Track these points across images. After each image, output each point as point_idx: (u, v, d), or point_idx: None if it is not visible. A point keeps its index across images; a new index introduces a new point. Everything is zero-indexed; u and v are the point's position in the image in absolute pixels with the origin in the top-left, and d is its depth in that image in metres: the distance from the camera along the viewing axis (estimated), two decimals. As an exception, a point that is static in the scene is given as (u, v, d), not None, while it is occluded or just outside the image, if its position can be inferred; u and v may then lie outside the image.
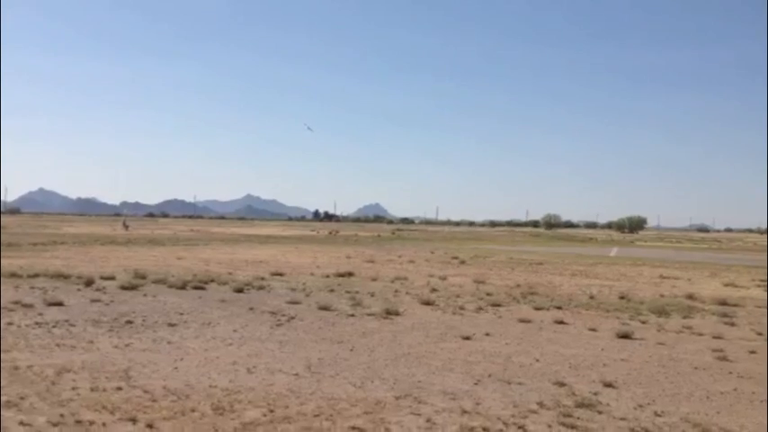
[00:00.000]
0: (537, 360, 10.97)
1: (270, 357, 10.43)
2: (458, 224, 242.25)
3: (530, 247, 67.89)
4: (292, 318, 14.41)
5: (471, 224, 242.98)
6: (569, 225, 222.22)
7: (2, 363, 9.32)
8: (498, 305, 17.66)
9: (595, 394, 8.79)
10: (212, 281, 20.82)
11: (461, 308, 16.96)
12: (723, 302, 19.52)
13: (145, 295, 17.31)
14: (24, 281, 19.34)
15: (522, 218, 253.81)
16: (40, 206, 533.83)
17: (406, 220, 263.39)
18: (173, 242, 50.88)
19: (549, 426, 7.45)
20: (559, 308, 17.61)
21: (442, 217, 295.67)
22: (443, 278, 25.24)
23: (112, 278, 20.55)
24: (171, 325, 13.07)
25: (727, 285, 26.17)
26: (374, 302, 17.24)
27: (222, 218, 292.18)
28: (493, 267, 32.80)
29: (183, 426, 7.03)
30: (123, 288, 18.30)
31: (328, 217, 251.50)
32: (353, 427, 7.15)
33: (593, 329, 14.28)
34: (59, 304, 14.95)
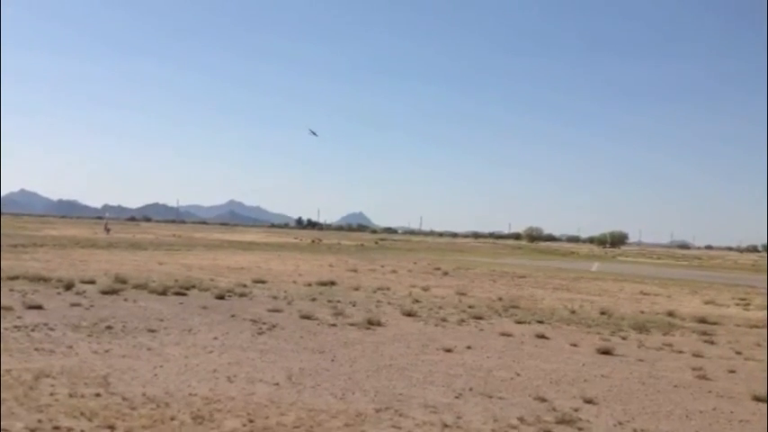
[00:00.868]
0: (518, 374, 10.98)
1: (250, 366, 10.37)
2: (441, 235, 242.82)
3: (512, 259, 68.12)
4: (274, 326, 14.34)
5: (455, 235, 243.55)
6: (551, 238, 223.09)
7: (-21, 366, 9.20)
8: (480, 318, 17.68)
9: (576, 410, 8.80)
10: (194, 287, 20.69)
11: (443, 320, 16.96)
12: (703, 320, 19.65)
13: (125, 300, 17.16)
14: (3, 283, 19.13)
15: (505, 230, 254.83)
16: (21, 207, 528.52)
17: (389, 230, 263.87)
18: (154, 247, 50.61)
19: (530, 441, 7.45)
20: (541, 322, 17.66)
21: (426, 227, 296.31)
22: (426, 289, 25.25)
23: (93, 282, 20.35)
24: (151, 331, 12.96)
25: (707, 303, 26.36)
26: (356, 312, 17.21)
27: (205, 223, 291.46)
28: (475, 279, 32.88)
29: (162, 434, 6.97)
30: (103, 293, 18.12)
31: (311, 224, 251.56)
32: (334, 440, 7.12)
33: (575, 345, 14.33)
34: (39, 308, 14.77)
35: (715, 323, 19.48)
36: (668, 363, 12.90)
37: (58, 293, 17.68)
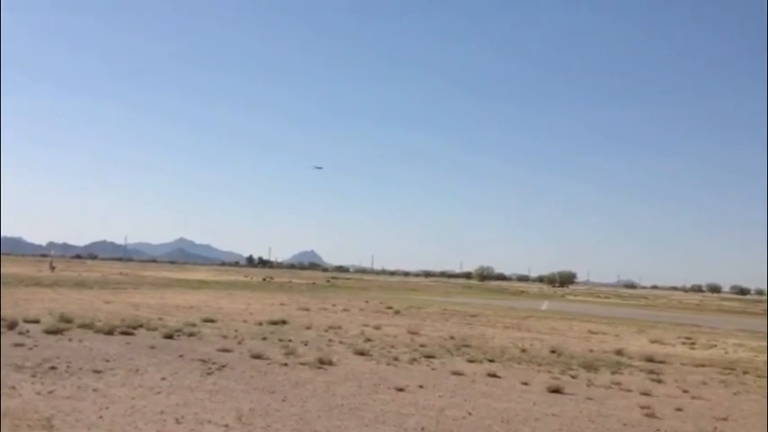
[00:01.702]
0: (470, 413, 10.98)
1: (199, 407, 10.18)
2: (393, 274, 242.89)
3: (463, 298, 68.45)
4: (223, 366, 14.12)
5: (406, 274, 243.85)
6: (502, 278, 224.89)
7: None
8: (432, 357, 17.67)
9: (527, 449, 8.83)
10: (141, 326, 20.28)
11: (395, 359, 16.91)
12: (650, 359, 19.94)
13: (70, 340, 16.73)
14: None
15: (457, 269, 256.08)
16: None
17: (341, 269, 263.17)
18: (101, 285, 49.59)
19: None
20: (492, 361, 17.72)
21: (378, 266, 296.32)
22: (378, 328, 25.19)
23: (37, 321, 19.79)
24: (96, 372, 12.64)
25: (653, 342, 26.79)
26: (308, 351, 17.05)
27: (153, 261, 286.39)
28: (427, 318, 32.92)
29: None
30: (48, 332, 17.64)
31: (262, 263, 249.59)
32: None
33: (526, 383, 14.40)
34: (-21, 347, 14.32)
35: (662, 362, 19.78)
36: (617, 401, 13.05)
37: (1, 333, 17.16)
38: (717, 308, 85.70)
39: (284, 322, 24.90)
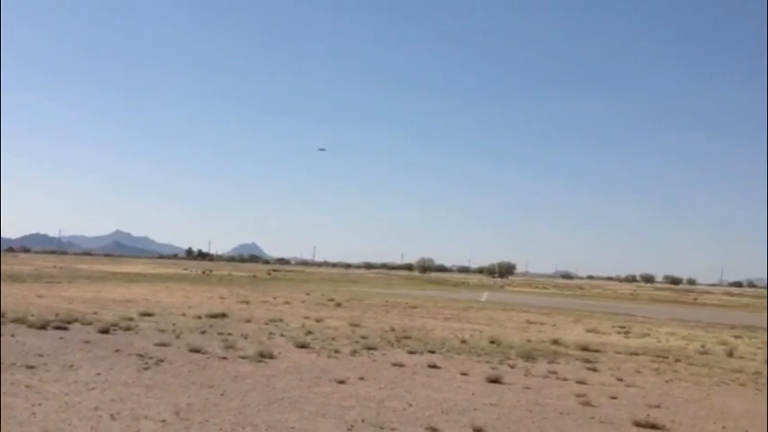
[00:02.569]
0: (410, 405, 11.05)
1: (135, 402, 10.01)
2: (334, 266, 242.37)
3: (404, 290, 68.78)
4: (161, 360, 13.92)
5: (348, 266, 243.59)
6: (443, 269, 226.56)
7: None
8: (373, 348, 17.73)
9: (466, 439, 8.93)
10: (76, 321, 19.84)
11: (336, 351, 16.91)
12: (586, 348, 20.38)
13: (1, 335, 16.26)
14: None
15: (398, 261, 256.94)
16: None
17: (282, 261, 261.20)
18: (33, 279, 48.29)
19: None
20: (433, 352, 17.87)
21: (319, 258, 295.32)
22: (319, 320, 25.14)
23: (-35, 316, 19.20)
24: (29, 367, 12.33)
25: (589, 331, 27.37)
26: (248, 345, 16.92)
27: (89, 254, 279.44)
28: (368, 310, 32.99)
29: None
30: (-23, 327, 17.12)
31: (202, 255, 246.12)
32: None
33: (465, 374, 14.56)
34: None
35: (597, 351, 20.23)
36: (554, 390, 13.30)
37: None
38: (650, 297, 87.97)
39: (224, 315, 24.64)
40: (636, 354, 20.18)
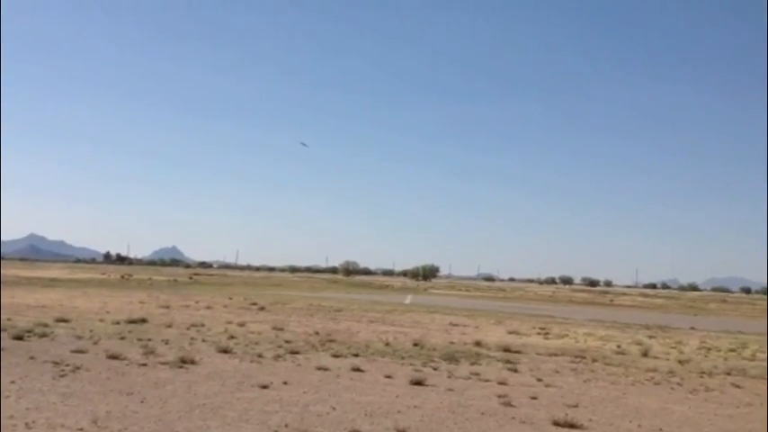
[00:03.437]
0: (334, 408, 11.04)
1: (51, 411, 9.69)
2: (258, 269, 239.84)
3: (329, 293, 68.67)
4: (78, 368, 13.50)
5: (271, 269, 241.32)
6: (367, 272, 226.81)
7: None
8: (297, 353, 17.63)
9: (390, 442, 8.97)
10: (-14, 327, 19.06)
11: (260, 356, 16.75)
12: (507, 349, 20.76)
13: None
14: None
15: (322, 264, 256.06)
16: None
17: (204, 264, 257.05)
18: (-60, 284, 46.14)
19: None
20: (357, 355, 17.88)
21: (242, 261, 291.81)
22: (242, 325, 24.83)
23: None
24: (-65, 377, 11.79)
25: (510, 333, 27.89)
26: (168, 350, 16.58)
27: (1, 258, 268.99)
28: (292, 314, 32.78)
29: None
30: None
31: (121, 259, 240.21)
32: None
33: (389, 376, 14.63)
34: None
35: (518, 352, 20.63)
36: (476, 391, 13.49)
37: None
38: (569, 299, 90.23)
39: (144, 321, 24.07)
40: (555, 354, 20.65)
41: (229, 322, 25.75)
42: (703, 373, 18.24)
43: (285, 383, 13.08)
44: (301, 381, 13.54)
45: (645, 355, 21.68)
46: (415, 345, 20.84)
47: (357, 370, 15.31)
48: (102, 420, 9.33)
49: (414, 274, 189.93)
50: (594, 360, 19.75)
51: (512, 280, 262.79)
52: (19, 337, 17.43)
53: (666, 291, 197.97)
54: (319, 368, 15.27)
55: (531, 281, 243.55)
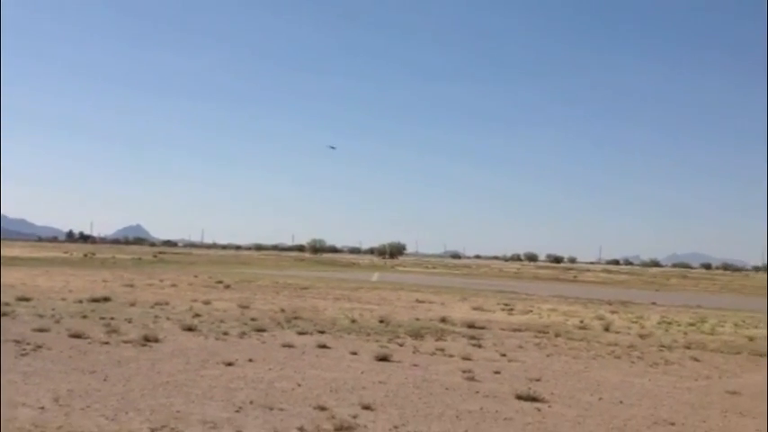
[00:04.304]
0: (299, 385, 11.06)
1: (12, 390, 9.57)
2: (224, 248, 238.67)
3: (295, 271, 68.56)
4: (39, 347, 13.32)
5: (238, 248, 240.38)
6: (334, 250, 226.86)
7: None
8: (263, 330, 17.59)
9: (354, 417, 9.03)
10: (-55, 307, 18.72)
11: (225, 333, 16.69)
12: (472, 325, 20.94)
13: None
14: None
15: (288, 242, 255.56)
16: None
17: (169, 243, 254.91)
18: None
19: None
20: (322, 332, 17.90)
21: (208, 240, 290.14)
22: (207, 303, 24.69)
23: None
24: None
25: (475, 309, 28.11)
26: (132, 329, 16.44)
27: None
28: (258, 292, 32.68)
29: None
30: None
31: (84, 238, 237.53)
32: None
33: (355, 353, 14.68)
34: None
35: (482, 327, 20.82)
36: (440, 367, 13.61)
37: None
38: (533, 275, 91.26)
39: (107, 299, 23.81)
40: (519, 330, 20.88)
41: (194, 300, 25.58)
42: (663, 347, 18.60)
43: (250, 361, 13.07)
44: (267, 358, 13.53)
45: (606, 329, 22.03)
46: (381, 321, 20.92)
47: (323, 347, 15.33)
48: (65, 398, 9.24)
49: (380, 252, 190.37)
50: (557, 335, 20.02)
51: (478, 257, 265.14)
52: (-22, 317, 17.15)
53: (629, 267, 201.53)
54: (285, 345, 15.27)
55: (496, 258, 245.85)
